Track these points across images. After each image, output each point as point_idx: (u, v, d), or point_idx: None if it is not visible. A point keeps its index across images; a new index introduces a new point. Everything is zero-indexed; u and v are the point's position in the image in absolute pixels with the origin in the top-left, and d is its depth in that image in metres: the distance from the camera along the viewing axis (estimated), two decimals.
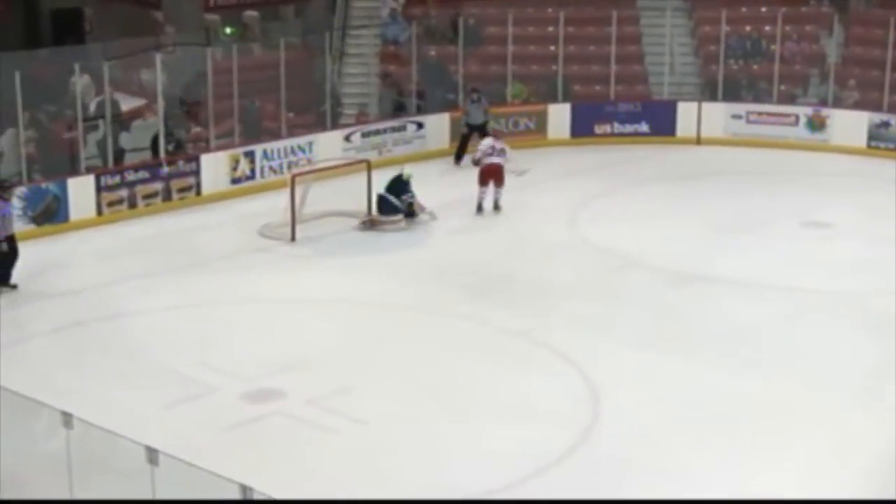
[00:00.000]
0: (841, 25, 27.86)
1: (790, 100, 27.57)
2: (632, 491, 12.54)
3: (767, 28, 28.23)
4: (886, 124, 26.20)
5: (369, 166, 21.58)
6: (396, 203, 21.27)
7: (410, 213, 21.39)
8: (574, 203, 22.66)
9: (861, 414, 14.29)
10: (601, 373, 15.26)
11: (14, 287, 17.80)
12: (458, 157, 25.48)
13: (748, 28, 28.53)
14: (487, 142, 22.82)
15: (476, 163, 22.44)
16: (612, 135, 27.18)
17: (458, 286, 18.42)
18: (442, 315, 17.33)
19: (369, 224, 21.15)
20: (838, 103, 27.13)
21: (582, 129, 27.12)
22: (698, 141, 27.02)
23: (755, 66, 28.26)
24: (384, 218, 21.20)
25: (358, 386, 14.97)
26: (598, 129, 27.28)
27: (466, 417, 14.21)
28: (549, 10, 28.30)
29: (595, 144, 26.82)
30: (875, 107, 26.56)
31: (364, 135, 25.29)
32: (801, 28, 28.41)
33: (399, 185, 21.45)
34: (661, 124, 27.31)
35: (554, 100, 27.45)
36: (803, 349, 16.10)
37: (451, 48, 27.37)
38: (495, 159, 22.16)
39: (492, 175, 22.10)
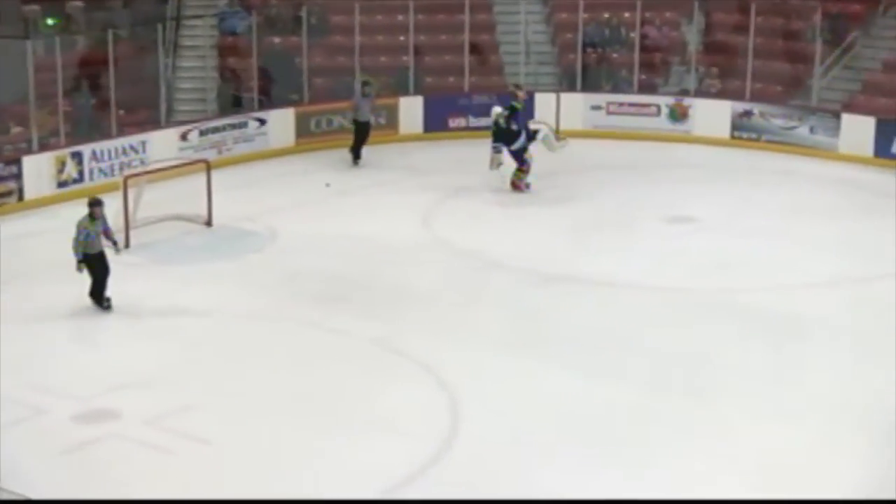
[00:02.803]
0: (701, 12, 28.47)
1: (651, 89, 28.09)
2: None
3: (626, 14, 28.73)
4: (749, 113, 26.85)
5: (208, 166, 21.36)
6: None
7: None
8: (429, 202, 22.73)
9: (748, 421, 14.40)
10: (461, 380, 15.26)
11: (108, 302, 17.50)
12: (357, 156, 25.42)
13: (606, 15, 29.01)
14: None
15: None
16: (468, 129, 27.36)
17: (306, 293, 18.30)
18: (290, 324, 17.18)
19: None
20: (700, 92, 27.73)
21: (435, 124, 27.23)
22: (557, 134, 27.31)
23: (614, 55, 28.72)
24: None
25: (199, 404, 14.73)
26: (453, 123, 27.47)
27: (317, 432, 14.10)
28: None
29: (449, 139, 26.94)
30: (738, 96, 27.23)
31: (202, 133, 25.01)
32: (660, 14, 28.96)
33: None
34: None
35: (405, 93, 27.50)
36: (674, 351, 16.29)
37: (295, 39, 27.25)
38: None
39: None
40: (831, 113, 26.21)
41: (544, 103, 27.44)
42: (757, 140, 26.72)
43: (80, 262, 17.25)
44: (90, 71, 24.62)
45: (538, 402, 14.85)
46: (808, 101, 26.78)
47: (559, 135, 23.59)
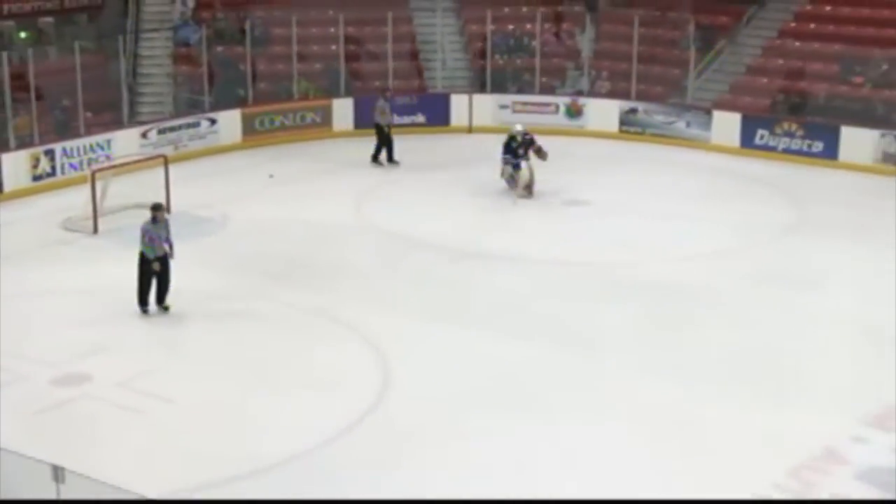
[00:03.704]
0: (593, 23, 28.61)
1: (550, 90, 28.17)
2: (423, 451, 12.64)
3: (528, 26, 28.79)
4: (634, 111, 27.04)
5: (166, 161, 21.15)
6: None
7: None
8: (361, 190, 22.65)
9: (632, 374, 14.58)
10: (391, 344, 15.29)
11: (167, 308, 16.15)
12: (378, 158, 24.60)
13: (511, 26, 29.04)
14: None
15: None
16: (393, 126, 27.20)
17: (256, 270, 18.18)
18: (242, 297, 17.06)
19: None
20: (592, 93, 27.89)
21: (364, 121, 27.07)
22: (470, 129, 27.36)
23: (518, 61, 28.78)
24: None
25: (163, 368, 14.64)
26: None
27: (267, 391, 14.06)
28: (330, 12, 28.22)
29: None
30: (624, 95, 27.40)
31: (160, 131, 24.72)
32: (557, 26, 29.05)
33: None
34: (436, 115, 27.57)
35: (337, 95, 27.38)
36: (571, 316, 16.40)
37: (241, 49, 27.01)
38: None
39: None
40: (704, 110, 26.46)
41: (459, 103, 27.49)
42: (641, 134, 26.92)
43: (153, 260, 15.83)
44: (61, 78, 24.25)
45: (460, 361, 14.91)
46: (684, 99, 27.00)
47: (528, 188, 21.98)
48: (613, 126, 27.20)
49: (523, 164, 22.12)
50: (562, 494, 11.74)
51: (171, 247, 16.15)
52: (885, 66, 25.50)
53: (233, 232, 20.33)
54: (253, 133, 26.25)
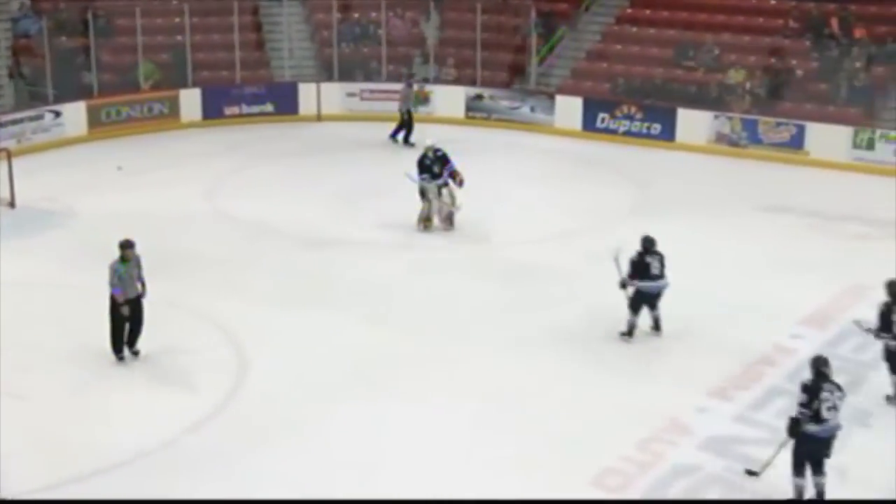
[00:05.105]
0: (437, 11, 28.73)
1: (398, 78, 28.17)
2: (279, 439, 12.55)
3: (373, 14, 28.77)
4: (480, 97, 27.29)
5: (9, 154, 20.54)
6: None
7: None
8: (211, 180, 22.33)
9: (486, 355, 14.72)
10: (246, 332, 15.12)
11: (137, 353, 14.55)
12: (399, 138, 25.30)
13: (356, 15, 28.97)
14: None
15: None
16: (241, 115, 27.01)
17: (104, 262, 17.66)
18: (91, 289, 16.57)
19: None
20: (438, 80, 28.02)
21: (212, 112, 26.80)
22: (319, 118, 27.23)
23: (365, 49, 28.73)
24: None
25: (13, 364, 14.16)
26: (228, 111, 27.05)
27: (123, 383, 13.81)
28: (174, 1, 27.75)
29: (226, 125, 26.54)
30: (470, 82, 27.64)
31: (1, 125, 23.93)
32: (402, 14, 29.07)
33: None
34: (285, 104, 27.36)
35: (184, 85, 26.93)
36: (425, 300, 16.48)
37: (84, 39, 26.33)
38: None
39: None
40: (547, 95, 26.85)
41: (307, 92, 27.32)
42: (487, 119, 27.17)
43: (123, 304, 14.35)
44: None
45: (317, 347, 14.83)
46: (527, 85, 27.36)
47: (449, 218, 19.53)
48: (460, 112, 27.39)
49: (444, 191, 19.72)
50: (420, 479, 11.80)
51: (143, 285, 14.74)
52: (716, 51, 26.26)
53: (80, 224, 19.82)
54: (99, 125, 25.64)
